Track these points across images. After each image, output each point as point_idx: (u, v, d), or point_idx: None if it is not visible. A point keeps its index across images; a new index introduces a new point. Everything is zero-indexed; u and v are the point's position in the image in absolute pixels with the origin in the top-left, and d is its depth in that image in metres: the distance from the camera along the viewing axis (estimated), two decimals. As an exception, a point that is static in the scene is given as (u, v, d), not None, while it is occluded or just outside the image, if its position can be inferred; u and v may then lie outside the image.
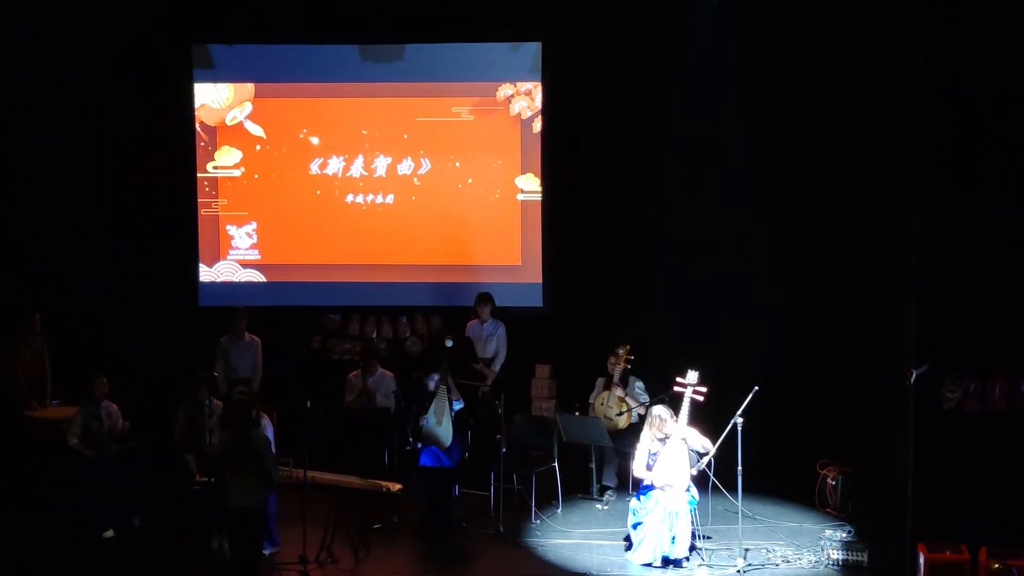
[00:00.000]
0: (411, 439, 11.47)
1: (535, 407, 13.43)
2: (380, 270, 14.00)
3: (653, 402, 11.12)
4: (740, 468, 10.03)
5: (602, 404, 11.79)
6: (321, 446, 10.66)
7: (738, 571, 9.98)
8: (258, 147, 13.99)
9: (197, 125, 13.93)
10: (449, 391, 11.34)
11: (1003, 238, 9.51)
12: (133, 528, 10.80)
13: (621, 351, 11.81)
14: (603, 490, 11.77)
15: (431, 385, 11.50)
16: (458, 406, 11.45)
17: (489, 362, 12.84)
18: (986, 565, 9.29)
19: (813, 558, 10.19)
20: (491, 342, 12.88)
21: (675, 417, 10.28)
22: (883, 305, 11.58)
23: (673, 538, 9.99)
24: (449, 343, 12.07)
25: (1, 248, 13.26)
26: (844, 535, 10.39)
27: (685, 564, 10.05)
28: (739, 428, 10.04)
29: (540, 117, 13.75)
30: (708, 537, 10.46)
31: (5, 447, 12.00)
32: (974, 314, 9.52)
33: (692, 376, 10.35)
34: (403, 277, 13.97)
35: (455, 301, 13.69)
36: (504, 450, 11.06)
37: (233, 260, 14.07)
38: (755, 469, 10.42)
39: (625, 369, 11.80)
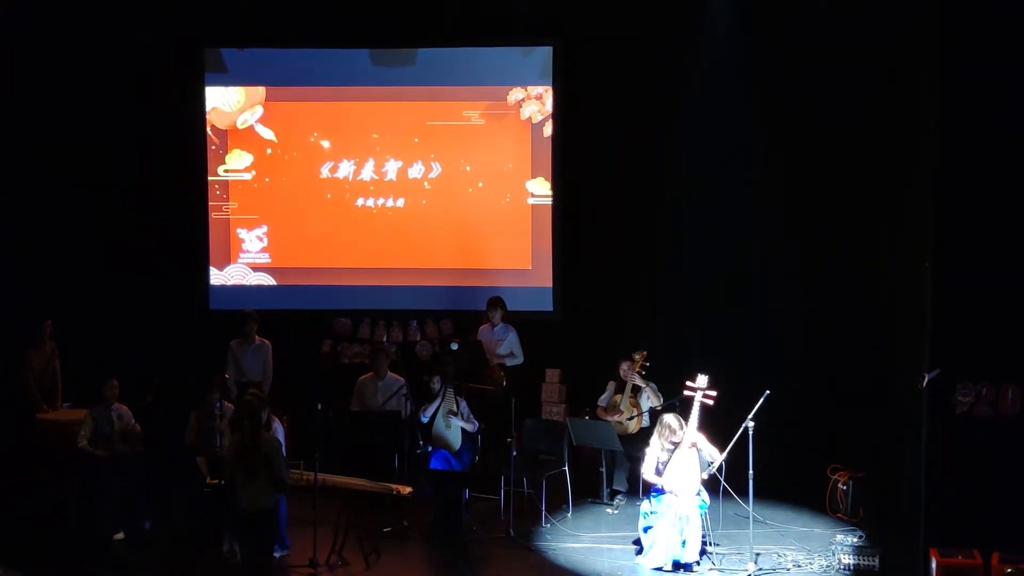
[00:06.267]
0: (421, 442, 11.49)
1: (545, 411, 13.42)
2: (390, 274, 14.00)
3: (663, 407, 11.13)
4: (751, 472, 10.01)
5: (613, 407, 11.78)
6: (332, 449, 10.64)
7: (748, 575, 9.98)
8: (269, 151, 14.01)
9: (208, 128, 13.96)
10: (459, 399, 11.35)
11: (1017, 242, 9.49)
12: (144, 531, 10.81)
13: (638, 356, 11.81)
14: (614, 494, 11.75)
15: (435, 387, 11.51)
16: (472, 429, 11.45)
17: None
18: (998, 570, 9.26)
19: (824, 563, 10.15)
20: (502, 346, 12.87)
21: (684, 425, 10.26)
22: (895, 309, 11.57)
23: (684, 542, 9.97)
24: (454, 346, 12.09)
25: (12, 252, 13.27)
26: (855, 540, 10.38)
27: (696, 568, 10.03)
28: (750, 432, 10.03)
29: (551, 121, 13.75)
30: (718, 544, 10.44)
31: (17, 450, 12.03)
32: (986, 318, 9.51)
33: (702, 380, 10.34)
34: (413, 281, 13.97)
35: (465, 305, 13.68)
36: (515, 454, 11.06)
37: (243, 263, 14.08)
38: (766, 473, 10.40)
39: (640, 375, 11.80)
